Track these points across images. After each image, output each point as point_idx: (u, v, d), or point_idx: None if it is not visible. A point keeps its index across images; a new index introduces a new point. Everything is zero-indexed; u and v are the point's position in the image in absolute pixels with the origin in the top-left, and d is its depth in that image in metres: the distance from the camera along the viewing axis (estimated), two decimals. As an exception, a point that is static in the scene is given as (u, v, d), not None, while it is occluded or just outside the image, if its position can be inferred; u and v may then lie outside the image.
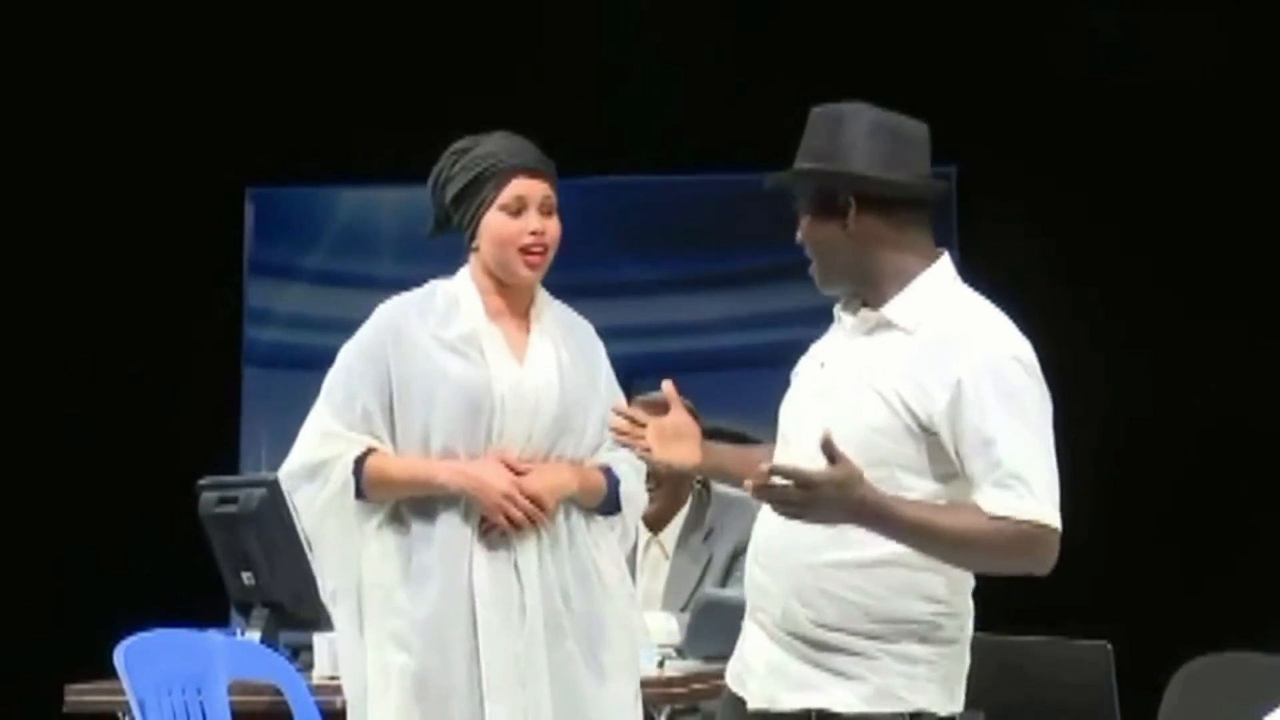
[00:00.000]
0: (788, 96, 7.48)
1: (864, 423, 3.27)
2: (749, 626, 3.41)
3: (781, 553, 3.31)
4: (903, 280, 3.39)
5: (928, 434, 3.26)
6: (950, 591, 3.32)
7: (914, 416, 3.26)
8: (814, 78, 7.61)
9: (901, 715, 3.28)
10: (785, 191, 3.45)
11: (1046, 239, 7.66)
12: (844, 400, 3.31)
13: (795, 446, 3.34)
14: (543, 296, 4.12)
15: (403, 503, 3.99)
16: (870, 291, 3.39)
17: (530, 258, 4.01)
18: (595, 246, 7.90)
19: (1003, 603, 7.90)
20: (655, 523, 5.53)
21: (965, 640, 3.39)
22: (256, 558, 5.01)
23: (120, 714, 4.81)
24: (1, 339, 8.01)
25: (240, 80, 8.01)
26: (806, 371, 3.45)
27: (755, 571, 3.38)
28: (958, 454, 3.25)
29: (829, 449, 3.11)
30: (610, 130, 7.75)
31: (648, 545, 5.55)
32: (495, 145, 4.07)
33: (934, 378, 3.26)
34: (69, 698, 4.94)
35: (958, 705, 3.36)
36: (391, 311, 4.05)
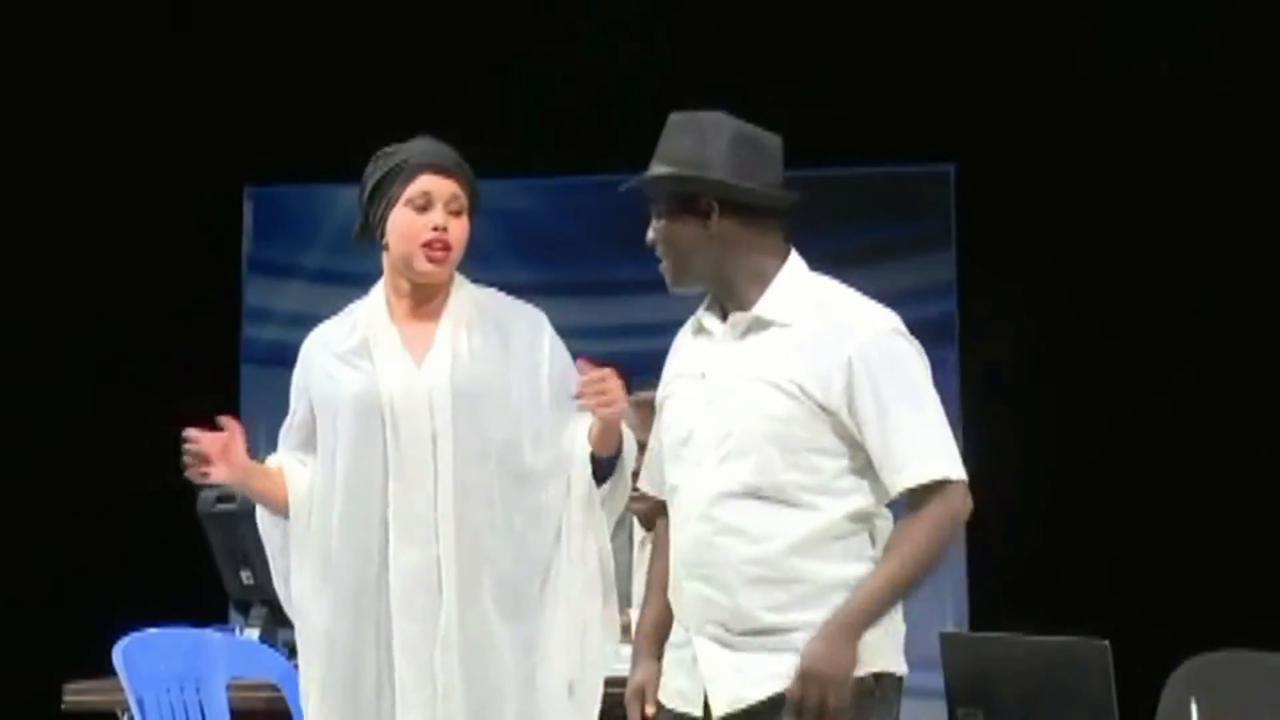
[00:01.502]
0: (783, 95, 7.51)
1: (769, 416, 3.44)
2: (699, 643, 3.47)
3: (717, 559, 3.44)
4: (763, 280, 3.55)
5: (829, 415, 3.43)
6: (878, 549, 3.48)
7: (814, 400, 3.43)
8: (810, 77, 7.62)
9: (865, 679, 3.42)
10: (637, 193, 3.60)
11: (1044, 235, 7.66)
12: (741, 401, 3.47)
13: (692, 461, 3.49)
14: (462, 293, 4.05)
15: (319, 518, 3.98)
16: (726, 291, 3.56)
17: (431, 253, 3.96)
18: (587, 245, 7.91)
19: (1002, 602, 7.91)
20: (650, 520, 5.52)
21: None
22: (255, 556, 5.00)
23: (119, 712, 4.81)
24: (0, 337, 8.00)
25: (239, 79, 8.01)
26: (684, 386, 3.58)
27: (692, 586, 3.48)
28: (859, 429, 3.43)
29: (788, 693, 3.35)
30: (603, 129, 7.75)
31: (643, 542, 5.54)
32: (412, 146, 4.07)
33: (826, 362, 3.44)
34: (68, 696, 4.95)
35: (904, 667, 3.53)
36: (306, 343, 4.11)
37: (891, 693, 3.49)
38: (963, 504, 3.46)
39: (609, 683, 3.99)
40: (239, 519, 4.96)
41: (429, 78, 7.89)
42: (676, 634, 3.54)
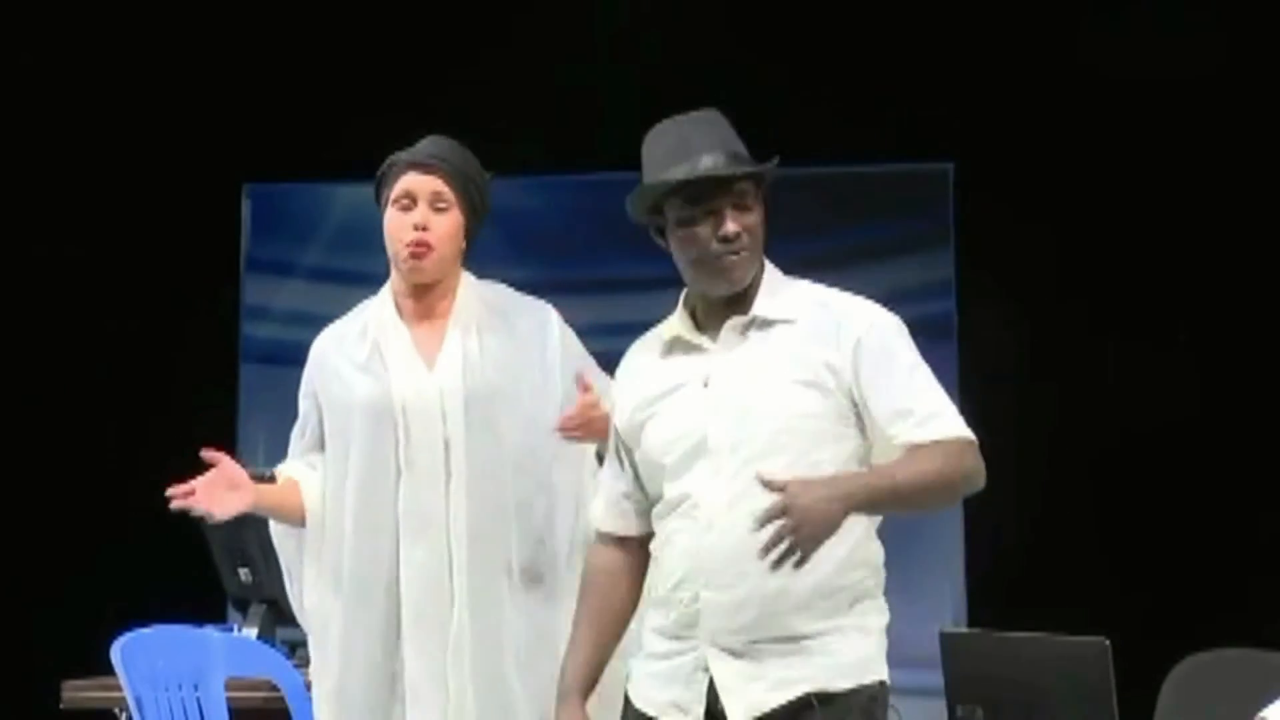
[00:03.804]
0: (782, 94, 7.52)
1: (795, 413, 3.40)
2: (711, 653, 3.41)
3: (734, 568, 3.37)
4: (758, 278, 3.52)
5: (848, 401, 3.42)
6: (879, 559, 3.48)
7: (841, 388, 3.41)
8: (809, 76, 7.62)
9: (874, 685, 3.42)
10: (725, 181, 3.45)
11: (1043, 234, 7.66)
12: (764, 402, 3.41)
13: (708, 471, 3.42)
14: (470, 292, 4.02)
15: (331, 521, 3.97)
16: (744, 290, 3.49)
17: (414, 250, 3.92)
18: (586, 243, 7.91)
19: (1002, 601, 7.91)
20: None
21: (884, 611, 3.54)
22: (253, 555, 5.01)
23: (117, 710, 4.81)
24: (-2, 336, 8.02)
25: (237, 77, 8.01)
26: (676, 402, 3.48)
27: (711, 596, 3.41)
28: (867, 405, 3.41)
29: (764, 481, 3.23)
30: (603, 128, 7.74)
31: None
32: (412, 147, 4.03)
33: (834, 349, 3.42)
34: (66, 694, 4.95)
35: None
36: (317, 343, 4.07)
37: (887, 702, 3.50)
38: (979, 463, 3.46)
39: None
40: (238, 518, 4.95)
41: (427, 76, 7.89)
42: (660, 644, 3.48)
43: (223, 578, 5.19)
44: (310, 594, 3.99)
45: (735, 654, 3.40)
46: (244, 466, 3.98)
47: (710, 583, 3.41)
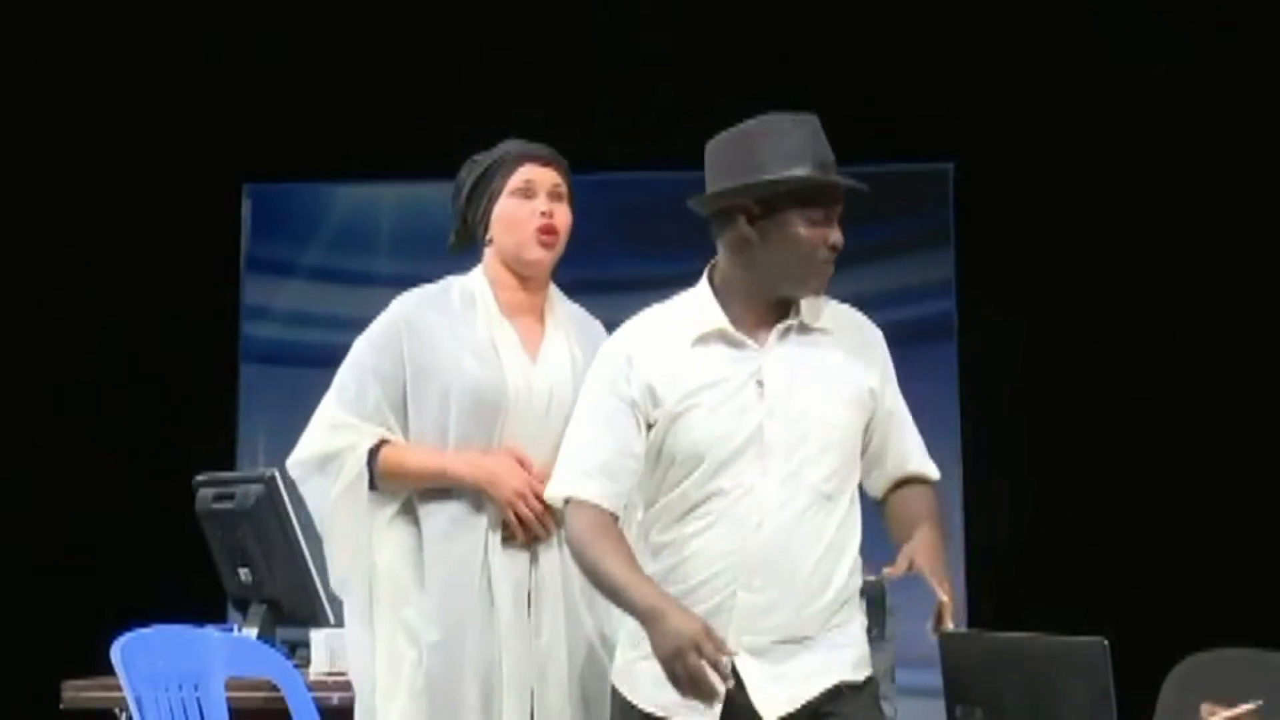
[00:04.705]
0: (783, 93, 7.50)
1: (842, 425, 3.53)
2: (744, 661, 3.45)
3: (773, 569, 3.45)
4: None
5: (869, 420, 3.60)
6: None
7: (869, 411, 3.58)
8: (814, 75, 7.61)
9: (872, 679, 3.59)
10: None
11: (1043, 233, 7.66)
12: (816, 408, 3.50)
13: (755, 471, 3.47)
14: (555, 293, 4.11)
15: (416, 495, 3.98)
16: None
17: (543, 237, 4.00)
18: (595, 243, 7.89)
19: (1001, 601, 7.90)
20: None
21: None
22: (253, 554, 5.00)
23: (117, 710, 4.81)
24: (-2, 335, 8.02)
25: (237, 77, 8.01)
26: (726, 395, 3.50)
27: (745, 596, 3.46)
28: (888, 433, 3.62)
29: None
30: (610, 126, 7.75)
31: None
32: (506, 145, 4.11)
33: (873, 373, 3.59)
34: (66, 694, 4.94)
35: None
36: (406, 306, 4.04)
37: None
38: None
39: None
40: (237, 517, 4.96)
41: (427, 76, 7.89)
42: None
43: (223, 578, 5.18)
44: (382, 557, 3.97)
45: (758, 653, 3.46)
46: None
47: (749, 583, 3.45)
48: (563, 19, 7.88)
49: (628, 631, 3.60)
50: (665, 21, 7.84)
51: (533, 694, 3.90)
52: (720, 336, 3.54)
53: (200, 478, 5.15)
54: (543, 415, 3.95)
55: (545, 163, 4.07)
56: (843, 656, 3.52)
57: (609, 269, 7.66)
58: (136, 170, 8.05)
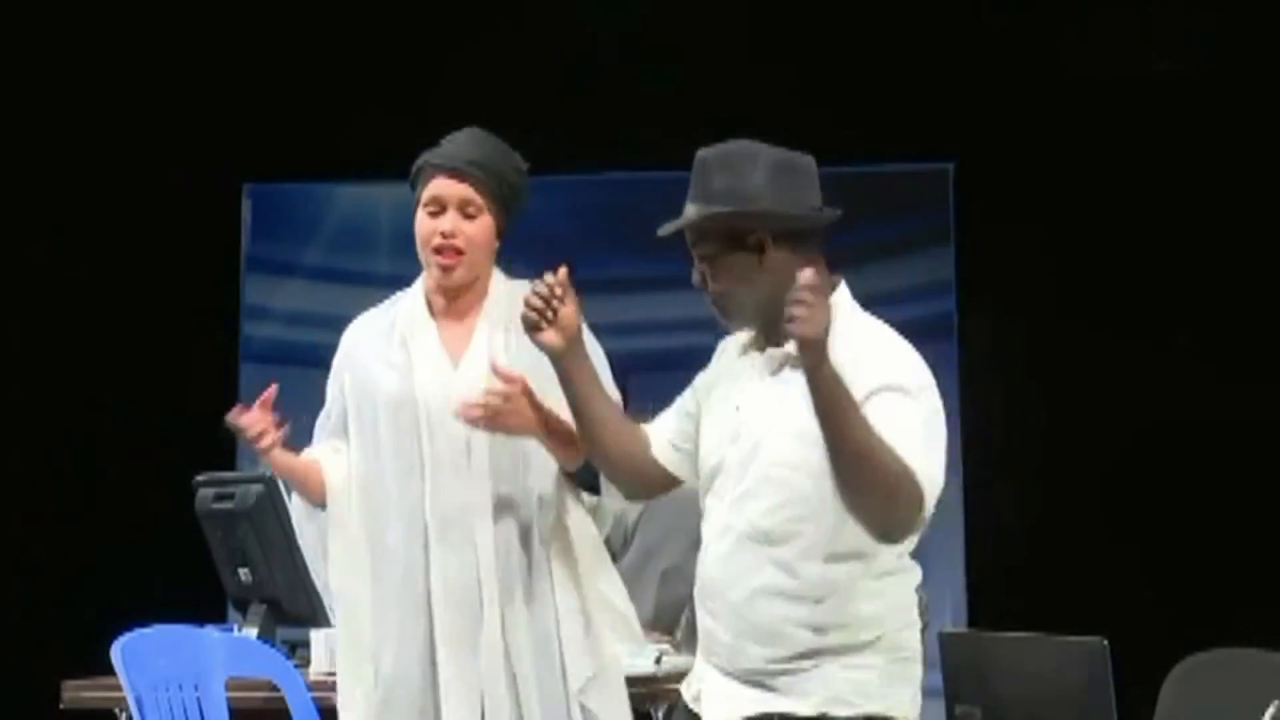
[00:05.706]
0: (786, 93, 7.52)
1: (787, 463, 3.37)
2: (704, 668, 3.51)
3: (718, 593, 3.44)
4: None
5: None
6: (885, 606, 3.48)
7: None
8: (813, 75, 7.62)
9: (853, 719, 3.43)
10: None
11: (1043, 233, 7.66)
12: (766, 446, 3.40)
13: (716, 494, 3.47)
14: (500, 289, 4.00)
15: (358, 512, 3.96)
16: (774, 327, 3.41)
17: (441, 259, 3.90)
18: (587, 243, 7.91)
19: (1002, 601, 7.90)
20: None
21: (910, 649, 3.53)
22: (253, 554, 5.00)
23: (118, 711, 4.81)
24: (-2, 335, 8.02)
25: (237, 77, 8.01)
26: (720, 410, 3.51)
27: (703, 617, 3.50)
28: None
29: None
30: (610, 126, 7.75)
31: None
32: (441, 146, 3.99)
33: None
34: (66, 694, 4.94)
35: (913, 712, 3.52)
36: (348, 332, 4.06)
37: None
38: (911, 517, 3.32)
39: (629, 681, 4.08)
40: (237, 517, 4.96)
41: (426, 75, 7.89)
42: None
43: (223, 578, 5.18)
44: (335, 575, 3.98)
45: (725, 675, 3.47)
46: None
47: (702, 604, 3.51)
48: (563, 19, 7.89)
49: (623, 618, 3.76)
50: (667, 21, 7.84)
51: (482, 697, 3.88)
52: (750, 350, 3.54)
53: (200, 478, 5.15)
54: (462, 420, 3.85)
55: (456, 175, 3.90)
56: (789, 700, 3.41)
57: (607, 269, 7.66)
58: (137, 170, 8.05)
